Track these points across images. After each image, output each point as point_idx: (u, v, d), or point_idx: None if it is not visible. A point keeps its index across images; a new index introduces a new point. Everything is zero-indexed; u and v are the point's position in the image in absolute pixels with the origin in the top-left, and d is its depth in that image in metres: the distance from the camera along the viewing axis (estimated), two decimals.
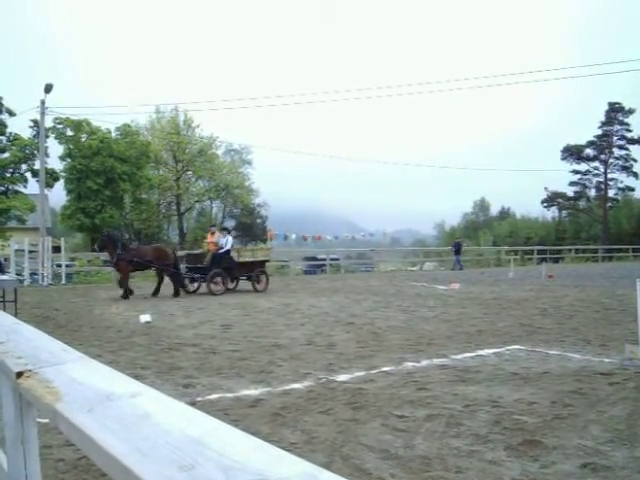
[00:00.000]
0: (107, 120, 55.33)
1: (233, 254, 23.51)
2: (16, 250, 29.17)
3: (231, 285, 23.61)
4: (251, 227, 64.45)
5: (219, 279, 22.64)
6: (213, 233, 24.14)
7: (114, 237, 22.41)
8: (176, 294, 22.03)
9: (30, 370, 1.50)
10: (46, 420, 3.92)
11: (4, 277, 15.32)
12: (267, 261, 25.73)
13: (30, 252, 29.51)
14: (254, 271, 23.87)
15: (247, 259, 24.09)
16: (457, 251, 41.49)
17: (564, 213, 73.07)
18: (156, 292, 22.28)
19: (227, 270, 23.03)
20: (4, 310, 12.53)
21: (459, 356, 10.04)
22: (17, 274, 19.12)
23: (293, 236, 42.08)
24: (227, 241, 23.37)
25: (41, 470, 1.92)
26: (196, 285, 23.32)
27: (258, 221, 66.45)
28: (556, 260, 49.56)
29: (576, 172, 70.24)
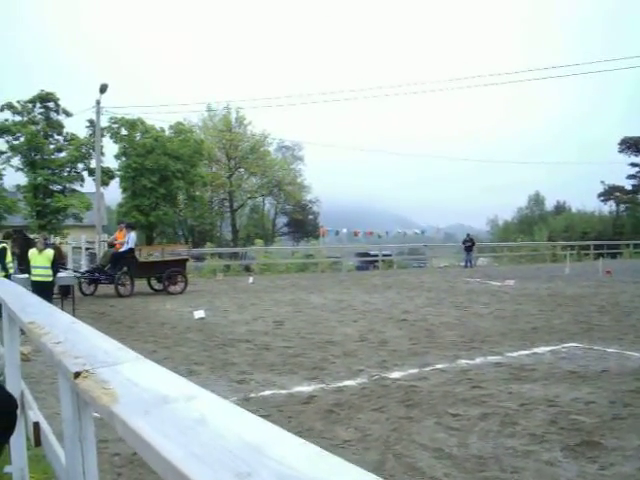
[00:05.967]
0: (160, 119, 56.36)
1: (140, 253, 21.96)
2: (73, 247, 29.75)
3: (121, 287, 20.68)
4: (303, 223, 64.53)
5: (127, 279, 20.83)
6: (122, 230, 22.19)
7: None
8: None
9: (87, 370, 1.51)
10: None
11: (63, 274, 15.73)
12: (185, 260, 23.31)
13: (87, 249, 30.18)
14: (165, 272, 21.54)
15: (153, 259, 22.44)
16: (469, 247, 38.07)
17: (622, 207, 71.18)
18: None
19: (135, 270, 21.23)
20: (62, 306, 12.86)
21: (514, 354, 9.92)
22: (74, 271, 19.45)
23: (344, 230, 41.88)
24: (129, 238, 21.35)
25: (97, 465, 1.94)
26: (92, 288, 20.83)
27: (310, 217, 66.44)
28: (614, 255, 48.44)
29: (635, 165, 68.30)
